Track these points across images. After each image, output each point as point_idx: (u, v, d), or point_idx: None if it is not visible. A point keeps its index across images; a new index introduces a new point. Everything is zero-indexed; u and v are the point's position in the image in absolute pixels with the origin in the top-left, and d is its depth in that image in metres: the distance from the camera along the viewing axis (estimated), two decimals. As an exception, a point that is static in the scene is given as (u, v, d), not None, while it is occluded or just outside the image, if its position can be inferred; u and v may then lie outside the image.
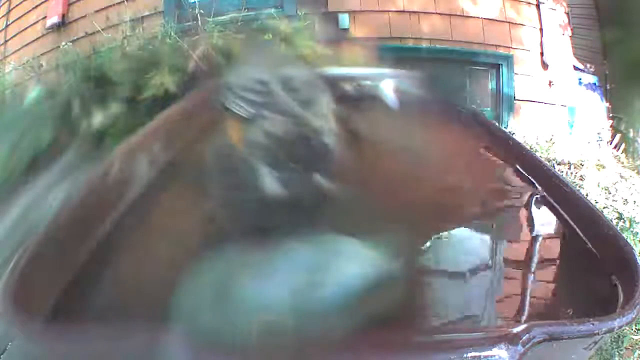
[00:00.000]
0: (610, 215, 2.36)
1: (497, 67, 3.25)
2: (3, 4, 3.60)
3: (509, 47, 3.23)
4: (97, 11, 3.13)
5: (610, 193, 2.57)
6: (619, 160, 3.00)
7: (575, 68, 3.38)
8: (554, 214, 1.23)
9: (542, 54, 3.25)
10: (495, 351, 0.71)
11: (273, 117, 1.01)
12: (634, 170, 2.88)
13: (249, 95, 1.04)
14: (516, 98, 3.25)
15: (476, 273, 1.10)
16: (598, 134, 3.22)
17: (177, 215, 1.22)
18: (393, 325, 0.86)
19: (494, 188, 1.52)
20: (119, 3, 3.11)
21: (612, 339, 1.72)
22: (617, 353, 1.71)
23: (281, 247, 0.96)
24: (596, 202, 2.44)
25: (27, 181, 2.36)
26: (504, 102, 3.25)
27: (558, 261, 1.16)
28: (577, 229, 1.13)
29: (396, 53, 2.91)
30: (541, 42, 3.25)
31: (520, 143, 1.63)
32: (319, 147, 1.01)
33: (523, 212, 1.37)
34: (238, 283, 0.91)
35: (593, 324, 0.76)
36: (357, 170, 1.26)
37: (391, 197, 1.23)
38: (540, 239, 1.24)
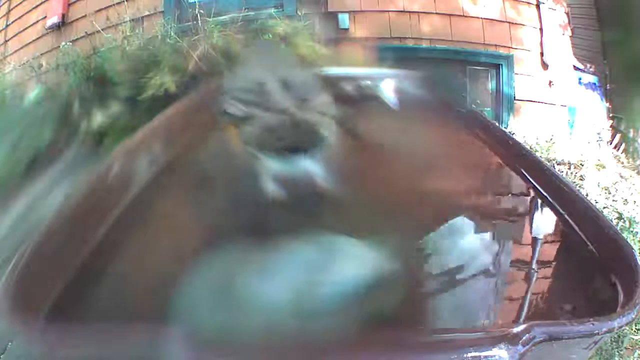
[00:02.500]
0: (610, 215, 2.36)
1: (497, 67, 3.25)
2: (3, 4, 3.60)
3: (509, 47, 3.23)
4: (97, 11, 3.13)
5: (610, 193, 2.57)
6: (619, 160, 3.00)
7: (575, 68, 3.38)
8: (554, 214, 1.23)
9: (542, 54, 3.25)
10: (495, 351, 0.71)
11: (267, 115, 1.02)
12: (634, 170, 2.88)
13: (245, 95, 1.06)
14: (516, 98, 3.25)
15: (476, 273, 1.10)
16: (598, 134, 3.22)
17: (177, 215, 1.22)
18: (393, 325, 0.86)
19: (493, 188, 1.52)
20: (119, 3, 3.11)
21: (612, 339, 1.71)
22: (617, 353, 1.71)
23: (281, 247, 0.96)
24: (596, 202, 2.44)
25: (27, 181, 2.36)
26: (504, 102, 3.25)
27: (558, 261, 1.16)
28: (577, 229, 1.13)
29: (396, 53, 2.91)
30: (541, 42, 3.25)
31: (520, 143, 1.62)
32: (310, 132, 1.02)
33: (523, 213, 1.37)
34: (238, 283, 0.91)
35: (593, 324, 0.76)
36: (356, 170, 1.26)
37: (391, 197, 1.23)
38: (540, 239, 1.24)
